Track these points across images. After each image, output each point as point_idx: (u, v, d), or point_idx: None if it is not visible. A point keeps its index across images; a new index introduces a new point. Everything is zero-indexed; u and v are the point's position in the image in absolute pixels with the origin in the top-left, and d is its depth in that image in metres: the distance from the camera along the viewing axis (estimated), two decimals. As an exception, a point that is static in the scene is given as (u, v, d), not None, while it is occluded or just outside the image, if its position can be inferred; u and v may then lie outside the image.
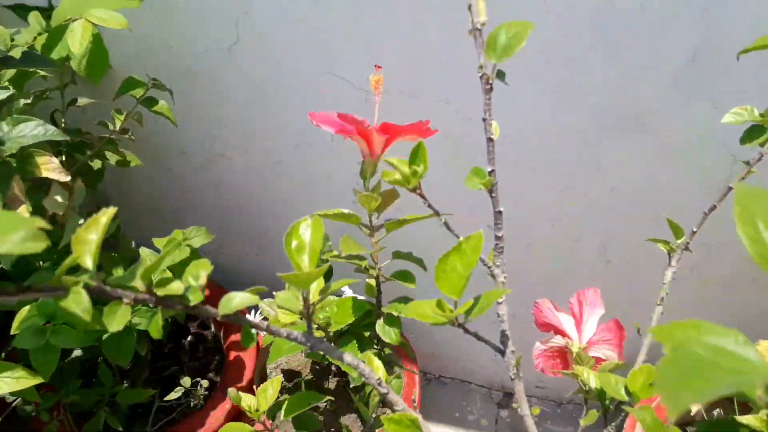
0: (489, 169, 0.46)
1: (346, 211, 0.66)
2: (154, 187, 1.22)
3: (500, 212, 0.47)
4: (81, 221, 0.84)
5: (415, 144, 0.63)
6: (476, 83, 0.99)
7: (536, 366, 0.88)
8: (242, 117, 1.06)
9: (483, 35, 0.39)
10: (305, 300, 0.54)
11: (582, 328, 0.82)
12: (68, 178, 0.79)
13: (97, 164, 0.96)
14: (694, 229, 0.60)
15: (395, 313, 0.67)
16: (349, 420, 1.21)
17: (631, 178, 0.99)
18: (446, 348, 1.43)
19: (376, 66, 0.64)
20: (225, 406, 1.08)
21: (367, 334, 0.71)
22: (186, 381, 0.96)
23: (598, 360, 0.82)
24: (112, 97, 0.89)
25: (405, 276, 0.68)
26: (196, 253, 0.90)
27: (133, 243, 0.98)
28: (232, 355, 1.17)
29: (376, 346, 0.73)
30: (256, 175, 1.15)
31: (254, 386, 1.17)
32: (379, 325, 0.68)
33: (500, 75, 0.41)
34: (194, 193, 1.21)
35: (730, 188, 0.57)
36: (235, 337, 1.19)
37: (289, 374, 1.26)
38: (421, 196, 0.47)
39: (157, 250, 0.93)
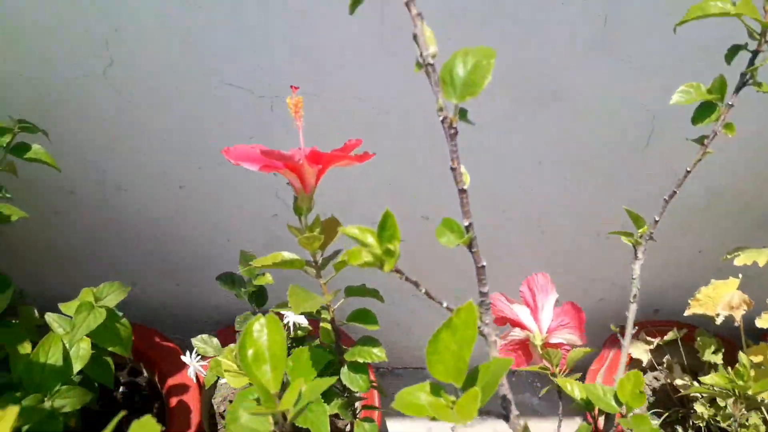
0: (465, 224, 0.41)
1: (287, 256, 0.59)
2: (44, 235, 1.08)
3: (483, 267, 0.42)
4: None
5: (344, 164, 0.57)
6: (391, 76, 0.94)
7: None
8: (131, 144, 0.94)
9: (436, 69, 0.33)
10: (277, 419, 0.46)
11: (539, 316, 0.81)
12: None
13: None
14: (657, 218, 0.58)
15: (360, 360, 0.61)
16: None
17: (555, 149, 0.98)
18: (398, 341, 1.40)
19: (292, 87, 0.57)
20: (177, 460, 0.99)
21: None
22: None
23: (558, 345, 0.81)
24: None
25: (364, 317, 0.62)
26: (113, 314, 0.79)
27: (36, 311, 0.85)
28: (174, 400, 1.07)
29: (342, 396, 0.68)
30: (158, 205, 1.04)
31: (204, 430, 1.09)
32: (345, 374, 0.62)
33: (463, 115, 0.35)
34: (92, 233, 1.08)
35: (688, 172, 0.55)
36: (174, 379, 1.09)
37: (238, 404, 1.18)
38: (398, 271, 0.41)
39: (67, 315, 0.82)
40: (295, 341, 1.04)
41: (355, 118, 0.91)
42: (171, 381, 1.10)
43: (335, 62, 0.85)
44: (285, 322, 1.01)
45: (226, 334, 1.22)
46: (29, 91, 0.86)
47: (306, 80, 0.87)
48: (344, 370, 0.63)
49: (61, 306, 0.81)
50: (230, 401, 1.18)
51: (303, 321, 1.01)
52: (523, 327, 0.81)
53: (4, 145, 0.77)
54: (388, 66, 0.86)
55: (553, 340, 0.79)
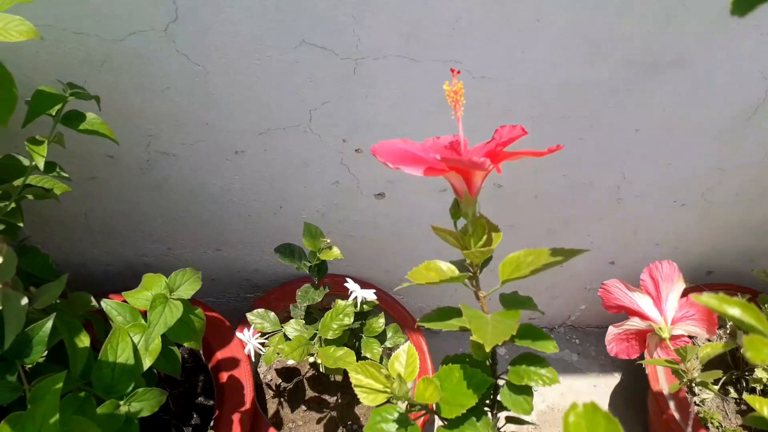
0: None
1: (446, 268, 0.51)
2: (76, 201, 0.97)
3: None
4: (24, 301, 0.62)
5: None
6: (490, 37, 0.83)
7: (609, 351, 0.81)
8: (186, 109, 0.83)
9: None
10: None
11: (663, 307, 0.75)
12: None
13: (10, 206, 0.72)
14: None
15: (527, 384, 0.54)
16: (363, 409, 1.12)
17: (657, 117, 0.89)
18: (435, 300, 1.35)
19: (452, 71, 0.47)
20: (234, 439, 0.94)
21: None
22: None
23: (679, 337, 0.75)
24: (19, 123, 0.63)
25: (534, 335, 0.54)
26: (188, 306, 0.71)
27: (92, 298, 0.76)
28: (224, 375, 1.01)
29: (493, 414, 0.61)
30: (210, 170, 0.94)
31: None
32: (505, 395, 0.55)
33: None
34: (129, 199, 0.98)
35: None
36: (223, 353, 1.03)
37: (286, 373, 1.13)
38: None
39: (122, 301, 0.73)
40: (360, 315, 0.97)
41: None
42: (220, 354, 1.03)
43: (436, 27, 0.74)
44: (351, 296, 0.94)
45: (268, 301, 1.15)
46: (77, 49, 0.73)
47: (401, 45, 0.76)
48: (505, 391, 0.56)
49: (126, 295, 0.72)
50: (276, 370, 1.12)
51: (371, 296, 0.94)
52: (643, 317, 0.75)
53: (54, 113, 0.65)
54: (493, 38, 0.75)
55: (676, 332, 0.74)
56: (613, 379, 1.43)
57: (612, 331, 0.80)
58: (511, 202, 1.06)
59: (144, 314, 0.73)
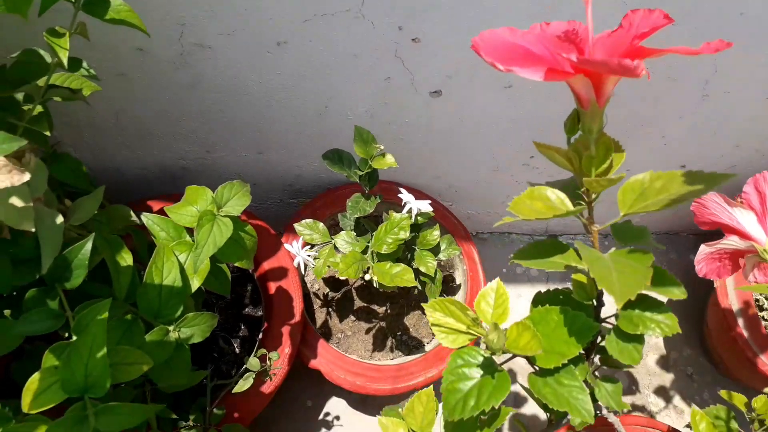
0: None
1: (553, 197, 0.42)
2: (105, 101, 0.88)
3: None
4: (59, 219, 0.56)
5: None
6: None
7: (698, 271, 0.73)
8: (223, -10, 0.71)
9: None
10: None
11: None
12: (25, 177, 0.50)
13: (38, 109, 0.64)
14: None
15: (641, 332, 0.46)
16: (412, 319, 1.08)
17: None
18: (484, 207, 1.27)
19: None
20: (285, 351, 0.91)
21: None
22: (254, 363, 0.76)
23: None
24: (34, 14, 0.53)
25: (657, 277, 0.46)
26: (239, 223, 0.64)
27: (132, 213, 0.70)
28: (272, 286, 0.97)
29: (590, 361, 0.54)
30: (249, 65, 0.83)
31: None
32: (612, 343, 0.48)
33: None
34: (162, 97, 0.88)
35: None
36: (269, 263, 0.98)
37: (334, 282, 1.08)
38: None
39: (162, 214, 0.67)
40: (413, 227, 0.90)
41: None
42: (266, 264, 0.98)
43: None
44: (406, 207, 0.87)
45: (313, 208, 1.08)
46: None
47: None
48: (611, 338, 0.49)
49: (168, 209, 0.65)
50: (323, 279, 1.08)
51: (426, 207, 0.86)
52: (743, 236, 0.66)
53: (74, 0, 0.55)
54: None
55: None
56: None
57: (704, 249, 0.71)
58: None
59: (189, 230, 0.67)
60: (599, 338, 0.52)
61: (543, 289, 1.25)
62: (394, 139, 1.02)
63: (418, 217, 0.89)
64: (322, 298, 1.06)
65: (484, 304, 0.51)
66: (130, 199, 1.09)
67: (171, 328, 0.60)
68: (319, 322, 1.04)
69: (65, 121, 0.93)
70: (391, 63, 0.85)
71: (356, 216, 0.86)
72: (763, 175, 0.65)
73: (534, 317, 0.47)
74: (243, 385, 0.73)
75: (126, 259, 0.65)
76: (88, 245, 0.56)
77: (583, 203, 0.44)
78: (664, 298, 0.46)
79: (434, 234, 0.91)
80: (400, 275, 0.78)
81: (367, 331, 1.04)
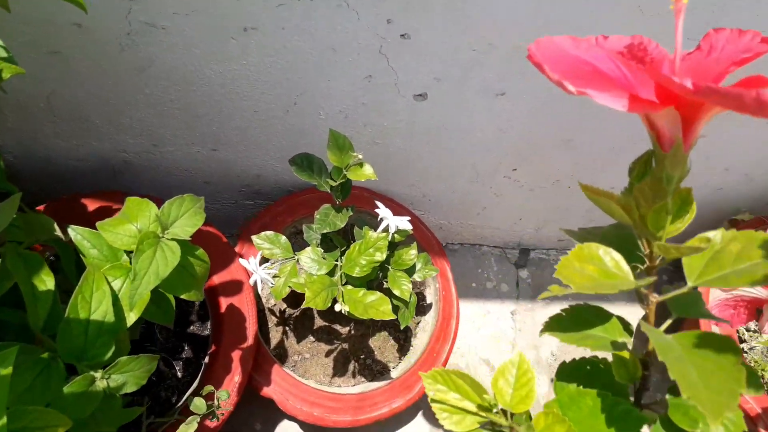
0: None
1: (609, 260, 0.33)
2: (35, 81, 0.74)
3: None
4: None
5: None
6: None
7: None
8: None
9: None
10: None
11: None
12: None
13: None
14: None
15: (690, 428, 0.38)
16: (378, 341, 0.98)
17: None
18: (458, 218, 1.18)
19: None
20: (234, 379, 0.80)
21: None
22: (199, 405, 0.65)
23: None
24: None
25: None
26: (188, 247, 0.53)
27: (56, 225, 0.57)
28: (223, 303, 0.85)
29: None
30: (209, 51, 0.72)
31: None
32: None
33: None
34: (103, 81, 0.75)
35: None
36: (220, 276, 0.86)
37: (292, 297, 0.97)
38: None
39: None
40: (389, 245, 0.80)
41: None
42: (216, 278, 0.86)
43: None
44: (383, 224, 0.77)
45: (273, 214, 0.97)
46: None
47: None
48: (657, 428, 0.39)
49: (100, 225, 0.53)
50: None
51: (405, 225, 0.77)
52: None
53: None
54: None
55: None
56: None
57: (719, 295, 0.65)
58: (578, 112, 0.87)
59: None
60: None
61: (513, 307, 1.16)
62: (369, 143, 0.92)
63: (395, 235, 0.79)
64: (278, 315, 0.95)
65: (503, 381, 0.41)
66: (62, 193, 0.95)
67: (98, 375, 0.49)
68: (273, 342, 0.93)
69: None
70: (374, 60, 0.74)
71: (325, 231, 0.76)
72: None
73: (563, 400, 0.38)
74: (185, 430, 0.62)
75: (46, 282, 0.53)
76: (-8, 274, 0.44)
77: (641, 266, 0.35)
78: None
79: (411, 253, 0.81)
80: (375, 305, 0.69)
81: (328, 354, 0.94)
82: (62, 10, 0.62)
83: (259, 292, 0.94)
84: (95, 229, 0.55)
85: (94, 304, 0.50)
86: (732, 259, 0.32)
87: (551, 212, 1.17)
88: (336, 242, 0.82)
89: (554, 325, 0.39)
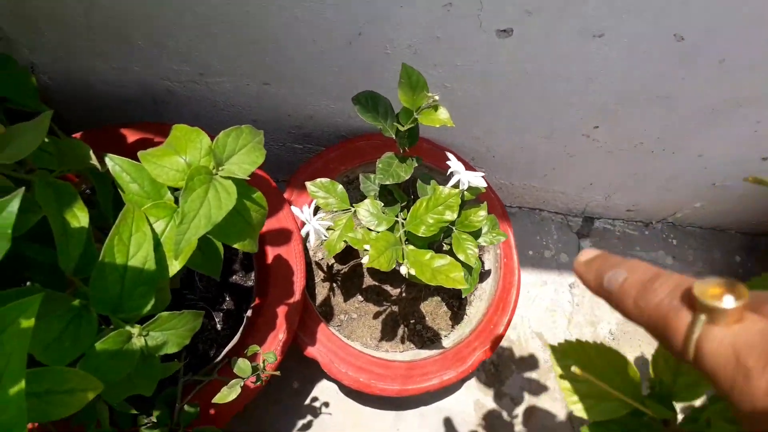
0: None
1: None
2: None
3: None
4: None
5: None
6: None
7: None
8: None
9: None
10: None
11: None
12: None
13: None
14: None
15: None
16: (430, 305, 0.90)
17: None
18: (522, 178, 1.08)
19: None
20: (278, 337, 0.73)
21: None
22: (243, 368, 0.58)
23: None
24: None
25: None
26: (246, 188, 0.44)
27: (92, 153, 0.49)
28: (270, 252, 0.78)
29: None
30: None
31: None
32: None
33: None
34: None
35: None
36: (268, 223, 0.79)
37: (341, 252, 0.89)
38: None
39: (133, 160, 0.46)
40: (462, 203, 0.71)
41: None
42: (265, 224, 0.79)
43: None
44: (453, 179, 0.68)
45: (325, 161, 0.88)
46: None
47: None
48: None
49: (144, 158, 0.45)
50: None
51: (479, 181, 0.68)
52: None
53: None
54: None
55: None
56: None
57: None
58: (686, 62, 0.75)
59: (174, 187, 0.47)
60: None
61: (572, 279, 1.06)
62: (438, 86, 0.81)
63: (466, 193, 0.70)
64: (326, 270, 0.88)
65: (663, 362, 0.32)
66: (100, 121, 0.88)
67: (135, 331, 0.42)
68: (319, 298, 0.86)
69: (19, 13, 0.70)
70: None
71: (387, 182, 0.67)
72: None
73: None
74: (228, 394, 0.55)
75: (79, 217, 0.46)
76: (14, 204, 0.36)
77: None
78: None
79: (480, 214, 0.72)
80: (445, 271, 0.60)
81: (376, 315, 0.87)
82: None
83: (309, 244, 0.86)
84: (137, 160, 0.47)
85: (132, 247, 0.43)
86: None
87: (627, 178, 1.06)
88: (397, 196, 0.73)
89: None
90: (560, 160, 1.00)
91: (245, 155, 0.43)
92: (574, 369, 0.30)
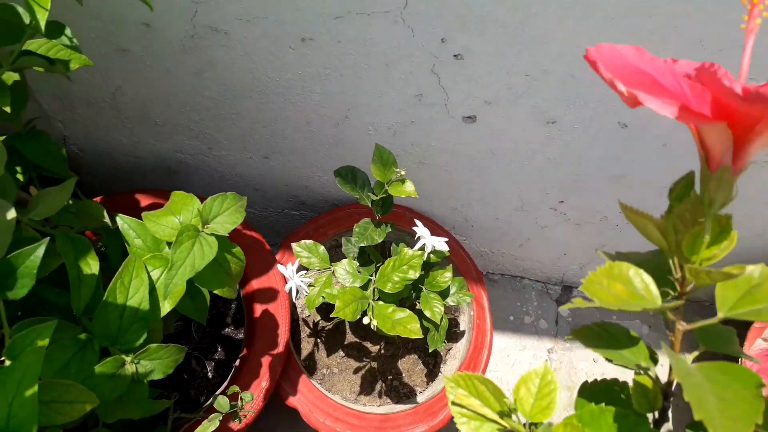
0: None
1: (638, 282, 0.32)
2: (102, 77, 0.79)
3: None
4: (11, 214, 0.46)
5: None
6: None
7: (750, 366, 0.63)
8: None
9: None
10: None
11: None
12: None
13: (10, 78, 0.54)
14: None
15: None
16: (407, 363, 0.97)
17: None
18: (501, 247, 1.17)
19: None
20: (261, 385, 0.81)
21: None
22: (222, 404, 0.66)
23: None
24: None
25: None
26: (226, 243, 0.54)
27: (105, 213, 0.60)
28: (258, 308, 0.86)
29: None
30: (267, 58, 0.74)
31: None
32: None
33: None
34: (166, 82, 0.79)
35: None
36: (259, 282, 0.88)
37: (326, 309, 0.98)
38: None
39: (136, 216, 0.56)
40: (424, 265, 0.79)
41: None
42: (255, 283, 0.88)
43: None
44: (419, 243, 0.77)
45: (316, 225, 0.98)
46: None
47: None
48: None
49: (145, 216, 0.55)
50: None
51: (442, 246, 0.76)
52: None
53: (65, -47, 0.45)
54: None
55: None
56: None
57: (761, 344, 0.61)
58: (632, 146, 0.85)
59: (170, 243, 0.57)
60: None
61: (550, 344, 1.14)
62: (416, 163, 0.92)
63: (431, 255, 0.79)
64: (311, 326, 0.96)
65: (525, 390, 0.40)
66: (120, 188, 0.99)
67: (128, 358, 0.50)
68: (304, 353, 0.93)
69: (58, 94, 0.83)
70: (425, 78, 0.75)
71: (362, 244, 0.76)
72: None
73: (584, 417, 0.37)
74: (207, 426, 0.63)
75: (91, 266, 0.55)
76: (40, 251, 0.46)
77: (672, 293, 0.34)
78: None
79: (446, 276, 0.81)
80: (404, 322, 0.68)
81: (356, 371, 0.94)
82: (132, 8, 0.66)
83: (294, 300, 0.95)
84: (142, 220, 0.57)
85: (131, 290, 0.52)
86: (771, 295, 0.31)
87: (600, 247, 1.14)
88: (373, 257, 0.82)
89: (583, 335, 0.38)
90: (533, 231, 1.08)
91: (228, 216, 0.53)
92: (462, 393, 0.38)
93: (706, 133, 0.29)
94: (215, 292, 0.54)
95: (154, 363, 0.51)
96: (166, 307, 0.53)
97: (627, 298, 0.32)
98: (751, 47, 0.28)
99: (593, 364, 1.21)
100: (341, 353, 0.94)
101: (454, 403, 0.39)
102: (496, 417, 0.37)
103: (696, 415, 0.27)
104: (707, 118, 0.26)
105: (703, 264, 0.32)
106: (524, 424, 0.38)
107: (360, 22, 0.67)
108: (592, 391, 0.41)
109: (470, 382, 0.39)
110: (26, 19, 0.50)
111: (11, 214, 0.46)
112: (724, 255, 0.32)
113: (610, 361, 0.37)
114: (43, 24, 0.45)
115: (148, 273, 0.53)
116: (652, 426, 0.39)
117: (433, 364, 0.97)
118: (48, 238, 0.46)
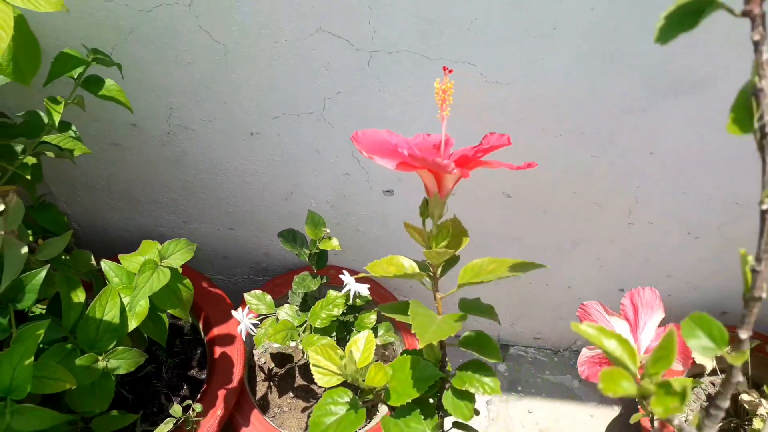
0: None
1: (407, 264, 0.52)
2: (99, 165, 1.01)
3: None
4: (24, 249, 0.66)
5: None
6: (506, 41, 0.84)
7: (581, 373, 0.80)
8: (207, 85, 0.86)
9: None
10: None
11: (639, 335, 0.73)
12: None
13: (30, 161, 0.76)
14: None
15: (470, 390, 0.55)
16: (350, 403, 1.12)
17: (672, 141, 0.87)
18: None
19: (444, 69, 0.48)
20: (216, 413, 0.96)
21: (431, 401, 0.59)
22: (176, 410, 0.82)
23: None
24: (41, 82, 0.67)
25: (483, 343, 0.55)
26: (177, 275, 0.73)
27: (92, 258, 0.80)
28: (218, 351, 1.04)
29: (439, 415, 0.61)
30: (225, 149, 0.97)
31: (245, 383, 1.06)
32: (448, 398, 0.56)
33: None
34: (148, 168, 1.01)
35: None
36: (219, 329, 1.05)
37: (280, 358, 1.15)
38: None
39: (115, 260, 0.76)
40: (353, 309, 0.98)
41: (466, 91, 0.81)
42: (217, 330, 1.06)
43: (453, 29, 0.74)
44: (345, 288, 0.96)
45: (273, 285, 1.17)
46: (104, 17, 0.77)
47: (416, 41, 0.76)
48: (448, 394, 0.56)
49: (122, 258, 0.75)
50: (271, 354, 1.15)
51: (364, 291, 0.95)
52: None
53: (75, 76, 0.69)
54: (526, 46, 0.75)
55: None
56: (612, 412, 1.39)
57: (585, 353, 0.78)
58: (520, 215, 1.05)
59: (138, 278, 0.76)
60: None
61: (488, 397, 1.30)
62: (353, 230, 1.13)
63: (357, 299, 0.97)
64: (266, 372, 1.12)
65: (354, 348, 0.59)
66: (112, 255, 1.20)
67: (101, 357, 0.68)
68: (259, 394, 1.09)
69: (63, 179, 1.06)
70: (349, 161, 0.97)
71: (301, 291, 0.95)
72: (638, 290, 0.74)
73: (394, 365, 0.55)
74: (163, 428, 0.79)
75: (79, 296, 0.75)
76: (42, 273, 0.65)
77: (429, 272, 0.54)
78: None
79: (371, 318, 0.99)
80: (325, 347, 0.86)
81: (304, 410, 1.09)
82: (123, 112, 0.89)
83: (252, 349, 1.12)
84: (120, 263, 0.77)
85: (107, 309, 0.71)
86: (488, 272, 0.50)
87: (520, 307, 1.32)
88: (311, 304, 1.01)
89: (387, 308, 0.57)
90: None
91: (180, 255, 0.73)
92: (318, 358, 0.56)
93: (421, 176, 0.49)
94: (170, 312, 0.73)
95: (120, 361, 0.69)
96: (132, 324, 0.72)
97: (394, 272, 0.52)
98: (445, 127, 0.49)
99: (527, 414, 1.35)
100: (291, 394, 1.10)
101: (314, 365, 0.57)
102: (336, 369, 0.55)
103: (413, 329, 0.46)
104: (414, 167, 0.47)
105: (436, 249, 0.51)
106: (355, 371, 0.55)
107: (292, 120, 0.90)
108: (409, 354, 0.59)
109: (324, 349, 0.57)
110: (45, 120, 0.73)
111: (24, 249, 0.67)
112: (461, 247, 0.52)
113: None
114: (56, 122, 0.67)
115: (121, 298, 0.72)
116: (438, 368, 0.57)
117: (371, 405, 1.13)
118: (48, 264, 0.66)
